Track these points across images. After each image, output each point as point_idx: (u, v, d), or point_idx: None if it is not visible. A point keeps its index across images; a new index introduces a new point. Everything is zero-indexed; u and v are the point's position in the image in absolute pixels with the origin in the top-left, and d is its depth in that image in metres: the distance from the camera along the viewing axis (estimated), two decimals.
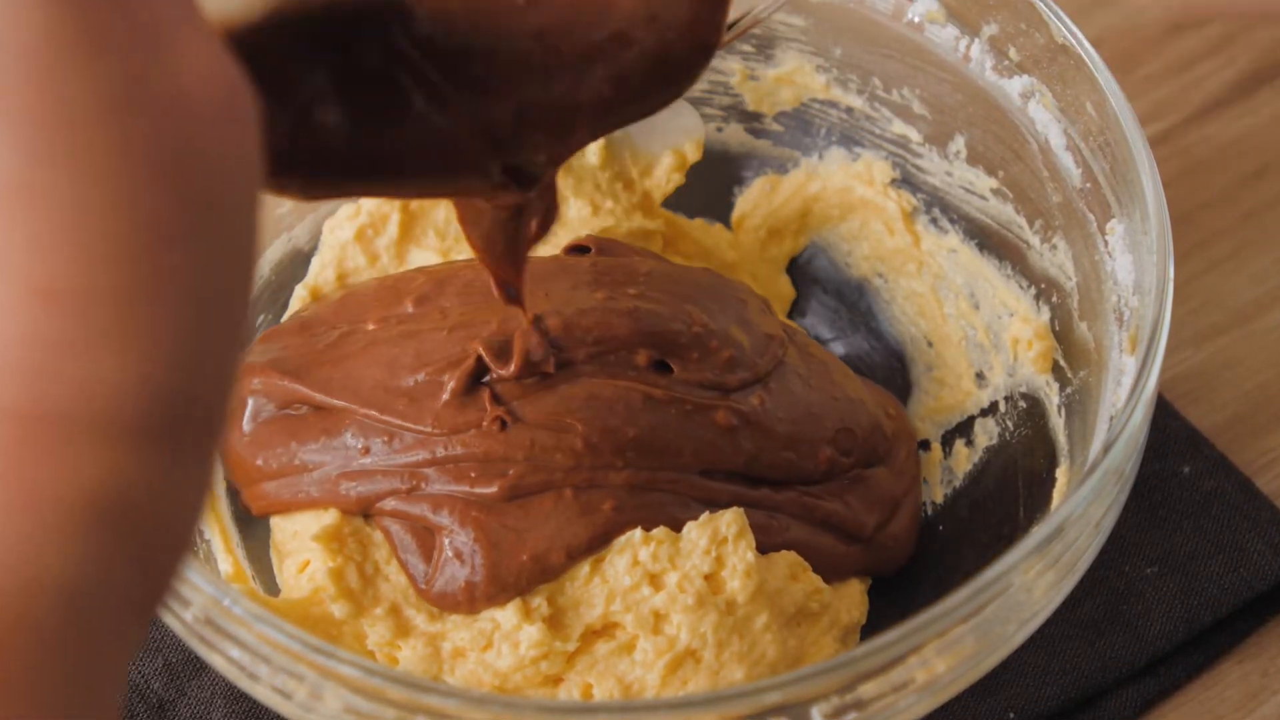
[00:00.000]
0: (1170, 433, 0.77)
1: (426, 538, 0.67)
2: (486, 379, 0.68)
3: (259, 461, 0.69)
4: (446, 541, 0.66)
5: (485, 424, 0.67)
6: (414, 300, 0.71)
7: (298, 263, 0.77)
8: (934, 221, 0.77)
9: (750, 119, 0.81)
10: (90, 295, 0.34)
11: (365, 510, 0.68)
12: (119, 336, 0.35)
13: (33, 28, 0.34)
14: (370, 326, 0.71)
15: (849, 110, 0.78)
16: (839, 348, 0.80)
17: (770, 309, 0.76)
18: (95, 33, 0.35)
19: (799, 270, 0.81)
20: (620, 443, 0.67)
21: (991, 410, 0.75)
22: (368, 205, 0.76)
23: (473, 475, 0.66)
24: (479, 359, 0.68)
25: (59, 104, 0.34)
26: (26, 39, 0.34)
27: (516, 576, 0.65)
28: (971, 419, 0.76)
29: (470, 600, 0.65)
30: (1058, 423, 0.71)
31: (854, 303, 0.80)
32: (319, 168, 0.48)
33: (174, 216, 0.35)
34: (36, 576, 0.33)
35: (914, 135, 0.77)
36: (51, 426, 0.34)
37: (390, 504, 0.67)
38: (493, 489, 0.66)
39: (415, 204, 0.76)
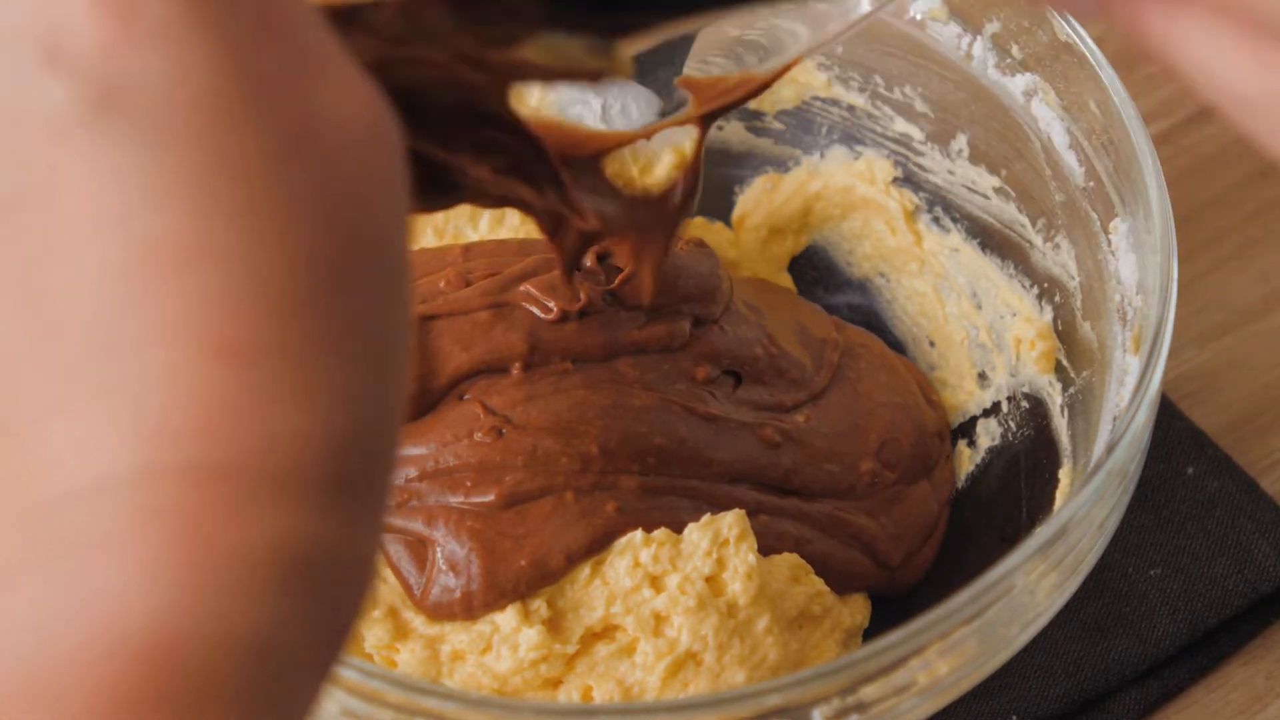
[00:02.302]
0: (1174, 433, 0.76)
1: (421, 550, 0.66)
2: (467, 395, 0.67)
3: None
4: (440, 553, 0.65)
5: (479, 435, 0.66)
6: None
7: None
8: (936, 220, 0.77)
9: (751, 117, 0.80)
10: (268, 351, 0.33)
11: None
12: (299, 390, 0.34)
13: (194, 78, 0.33)
14: None
15: (850, 108, 0.78)
16: None
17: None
18: (255, 77, 0.34)
19: (800, 269, 0.81)
20: (642, 450, 0.66)
21: (994, 410, 0.74)
22: None
23: (469, 484, 0.66)
24: None
25: (226, 158, 0.33)
26: (189, 92, 0.33)
27: (515, 582, 0.64)
28: (974, 419, 0.75)
29: (468, 609, 0.65)
30: (1060, 423, 0.70)
31: (855, 302, 0.80)
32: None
33: (344, 263, 0.34)
34: (225, 635, 0.32)
35: (916, 134, 0.76)
36: (233, 483, 0.33)
37: None
38: (490, 497, 0.65)
39: None
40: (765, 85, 0.64)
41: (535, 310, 0.67)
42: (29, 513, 0.33)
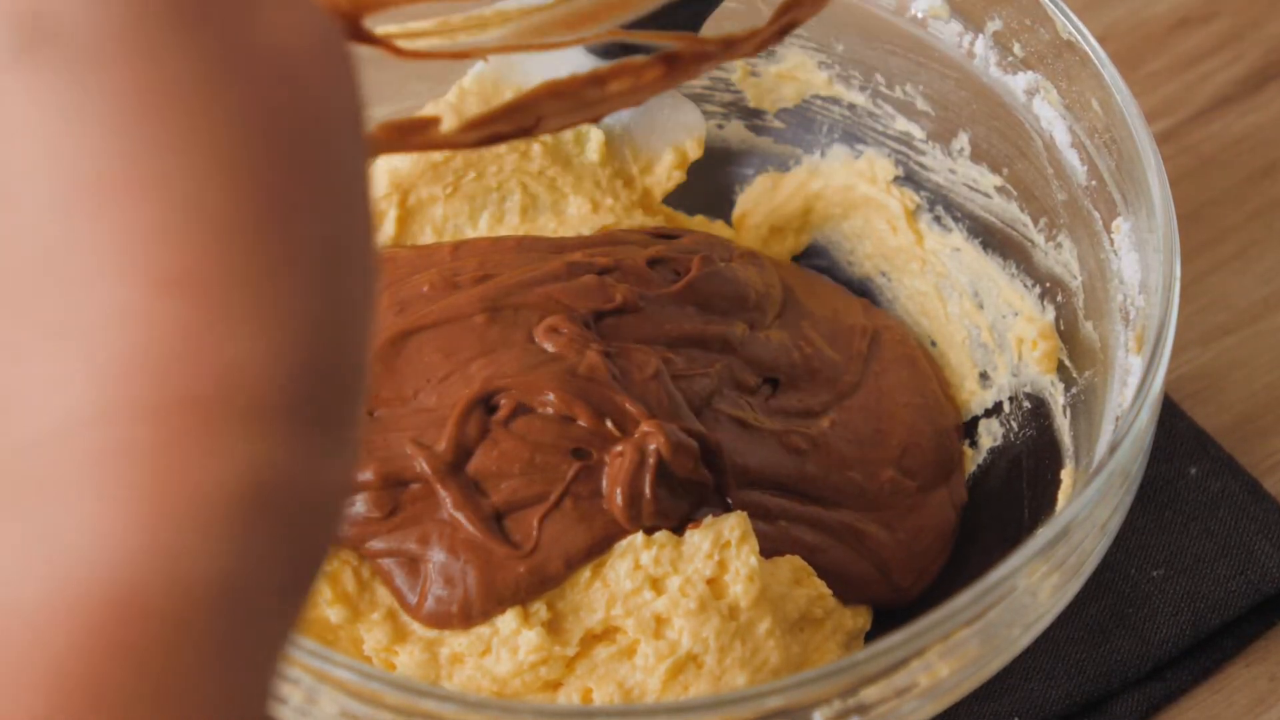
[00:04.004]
0: (1177, 433, 0.76)
1: (415, 565, 0.65)
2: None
3: None
4: (434, 566, 0.64)
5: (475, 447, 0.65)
6: None
7: None
8: (937, 220, 0.77)
9: (751, 116, 0.80)
10: (217, 279, 0.32)
11: (348, 547, 0.66)
12: (253, 316, 0.32)
13: (121, 3, 0.32)
14: None
15: (851, 107, 0.78)
16: None
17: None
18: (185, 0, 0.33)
19: None
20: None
21: (996, 411, 0.74)
22: None
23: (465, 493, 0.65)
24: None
25: (156, 83, 0.32)
26: (117, 18, 0.32)
27: (514, 590, 0.64)
28: (975, 420, 0.75)
29: (466, 618, 0.64)
30: (1063, 423, 0.70)
31: None
32: None
33: (292, 182, 0.33)
34: (189, 577, 0.31)
35: (917, 132, 0.76)
36: (190, 416, 0.32)
37: (375, 544, 0.65)
38: (487, 504, 0.65)
39: (412, 199, 0.75)
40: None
41: (559, 332, 0.66)
42: None
